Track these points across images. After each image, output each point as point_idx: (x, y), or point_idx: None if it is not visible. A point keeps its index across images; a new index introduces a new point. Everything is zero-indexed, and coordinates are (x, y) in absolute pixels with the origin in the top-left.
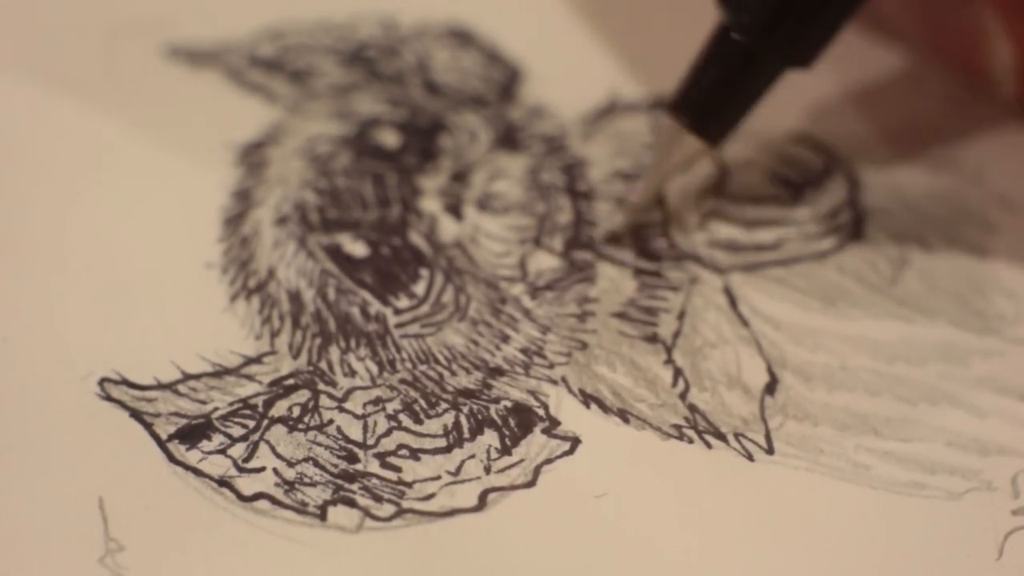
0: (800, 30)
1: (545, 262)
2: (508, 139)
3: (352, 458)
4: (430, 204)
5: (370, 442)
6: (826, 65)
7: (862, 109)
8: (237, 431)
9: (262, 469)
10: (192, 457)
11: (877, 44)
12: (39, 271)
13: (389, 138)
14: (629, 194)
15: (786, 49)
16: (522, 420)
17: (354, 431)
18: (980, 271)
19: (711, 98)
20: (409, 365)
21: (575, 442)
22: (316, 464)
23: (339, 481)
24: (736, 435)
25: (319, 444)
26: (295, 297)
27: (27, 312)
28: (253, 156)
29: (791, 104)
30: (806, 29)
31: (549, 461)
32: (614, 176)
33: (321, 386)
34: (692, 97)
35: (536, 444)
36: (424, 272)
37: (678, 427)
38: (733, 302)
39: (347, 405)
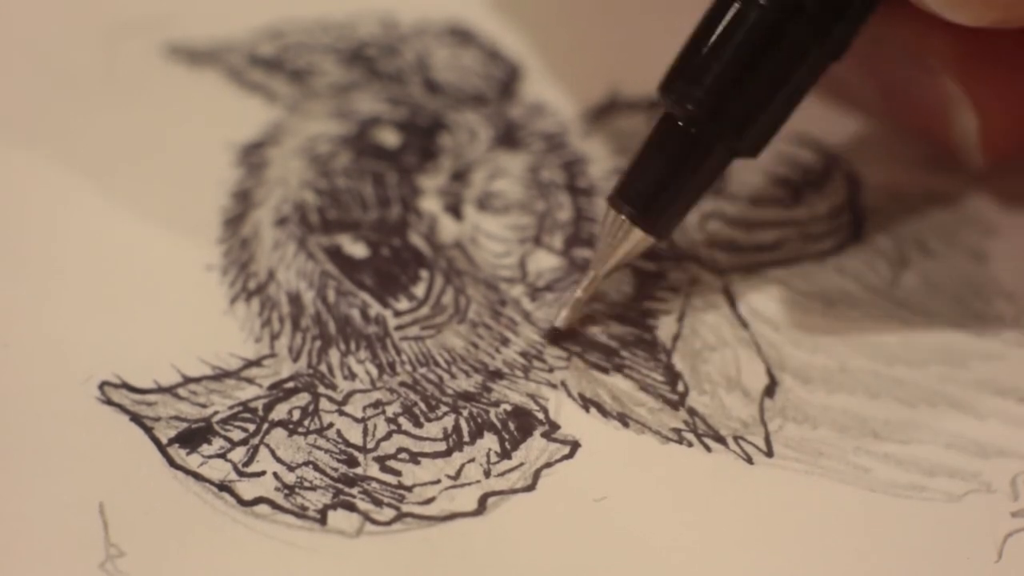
0: (749, 118)
1: (545, 261)
2: (508, 137)
3: (352, 462)
4: (430, 204)
5: (370, 446)
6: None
7: (854, 111)
8: (237, 435)
9: (262, 473)
10: (192, 461)
11: (834, 111)
12: (37, 273)
13: (389, 137)
14: (574, 288)
15: (733, 138)
16: (522, 424)
17: (354, 434)
18: (980, 273)
19: (655, 190)
20: (409, 368)
21: (575, 446)
22: (316, 468)
23: (339, 485)
24: (735, 438)
25: (319, 448)
26: (295, 299)
27: (26, 315)
28: (253, 156)
29: None
30: (755, 116)
31: (549, 465)
32: (615, 173)
33: (321, 389)
34: (635, 188)
35: (536, 448)
36: (424, 273)
37: (677, 431)
38: (733, 303)
39: (347, 408)
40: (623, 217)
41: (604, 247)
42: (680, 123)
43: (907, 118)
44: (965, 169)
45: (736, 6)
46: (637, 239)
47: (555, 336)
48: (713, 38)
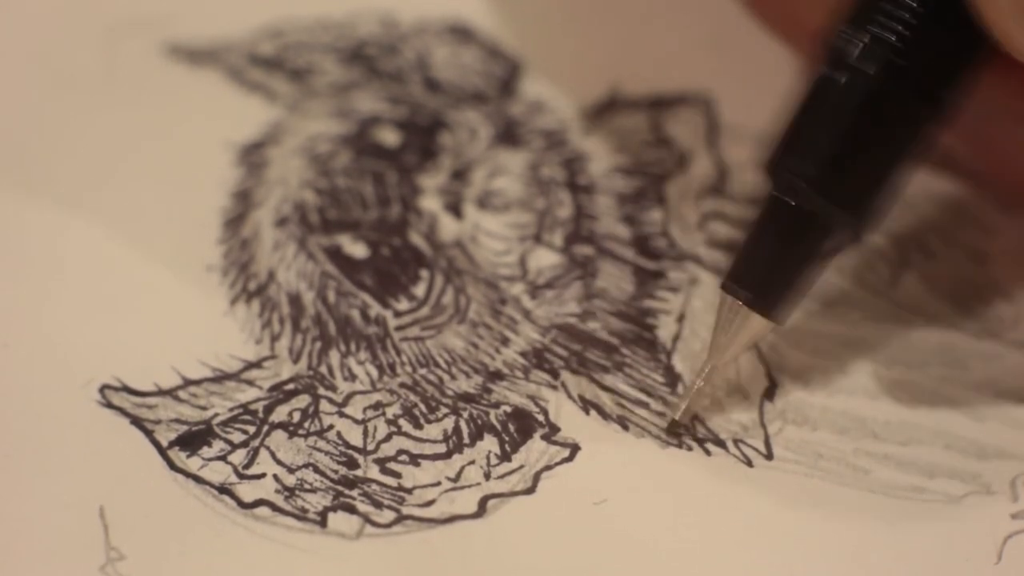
0: (864, 190)
1: (545, 259)
2: (508, 135)
3: (352, 464)
4: (430, 203)
5: (370, 447)
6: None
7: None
8: (237, 437)
9: (262, 475)
10: (193, 464)
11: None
12: (38, 274)
13: (389, 136)
14: (692, 379)
15: (850, 213)
16: (522, 426)
17: (354, 436)
18: (979, 274)
19: (772, 272)
20: (409, 369)
21: (575, 448)
22: (316, 470)
23: (339, 487)
24: (735, 441)
25: (319, 450)
26: (295, 300)
27: (26, 317)
28: (253, 156)
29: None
30: (869, 189)
31: (549, 467)
32: (615, 170)
33: (321, 391)
34: (752, 271)
35: (536, 450)
36: (424, 273)
37: (677, 434)
38: None
39: (347, 410)
40: (739, 303)
41: (722, 333)
42: (793, 203)
43: (1011, 180)
44: None
45: (844, 78)
46: (756, 324)
47: (675, 429)
48: (822, 112)
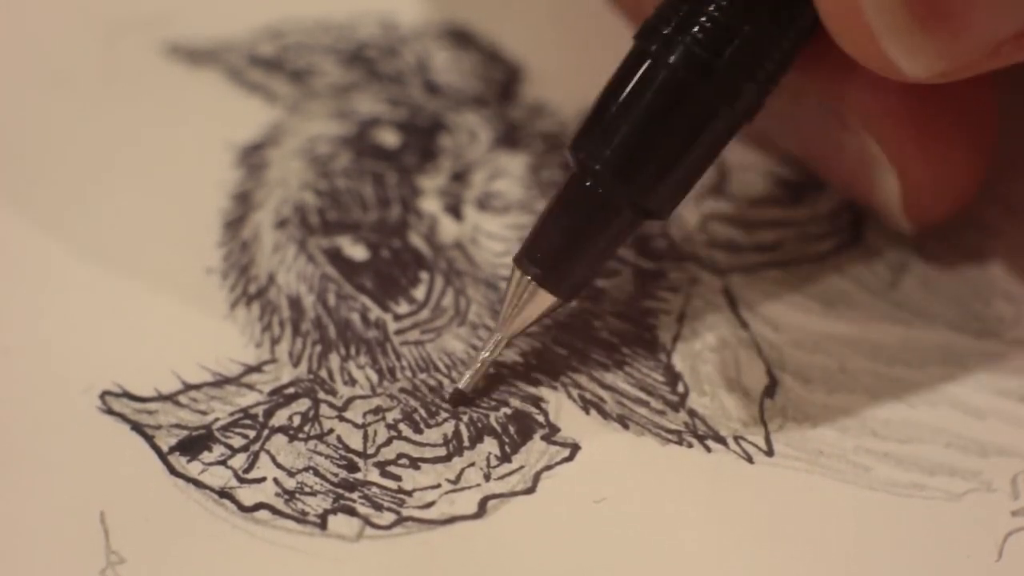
0: (658, 179)
1: None
2: (508, 138)
3: (352, 467)
4: (430, 204)
5: (370, 451)
6: None
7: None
8: (238, 441)
9: (263, 479)
10: (193, 469)
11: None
12: (37, 277)
13: (389, 138)
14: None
15: (641, 199)
16: (522, 427)
17: (354, 440)
18: (979, 273)
19: (562, 250)
20: (409, 373)
21: (575, 448)
22: (316, 473)
23: (339, 490)
24: (736, 438)
25: (319, 453)
26: (295, 303)
27: (25, 322)
28: (253, 158)
29: None
30: (664, 178)
31: (549, 467)
32: None
33: (321, 395)
34: (543, 248)
35: (536, 451)
36: (424, 275)
37: (677, 432)
38: (733, 303)
39: (347, 414)
40: (528, 278)
41: (510, 308)
42: (588, 183)
43: (830, 176)
44: (895, 230)
45: (646, 64)
46: (542, 301)
47: (458, 399)
48: (622, 96)
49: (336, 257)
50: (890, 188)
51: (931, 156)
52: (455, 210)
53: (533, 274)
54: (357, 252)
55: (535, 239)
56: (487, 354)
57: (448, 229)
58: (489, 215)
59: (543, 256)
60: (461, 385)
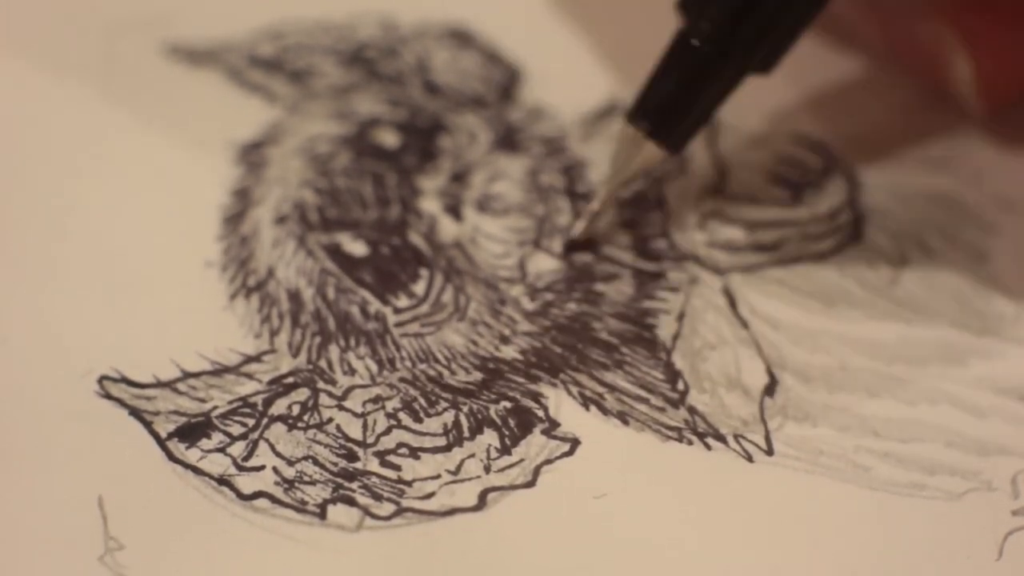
0: (760, 36)
1: (544, 264)
2: (508, 140)
3: (352, 456)
4: (430, 204)
5: (370, 440)
6: (788, 72)
7: (853, 112)
8: (237, 429)
9: (262, 467)
10: (192, 455)
11: (839, 53)
12: (38, 269)
13: (389, 138)
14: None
15: (746, 55)
16: (522, 421)
17: (354, 429)
18: (979, 272)
19: (670, 105)
20: (409, 364)
21: (575, 443)
22: (316, 462)
23: (339, 480)
24: (736, 436)
25: (319, 442)
26: (294, 296)
27: (26, 310)
28: (252, 155)
29: (790, 105)
30: (766, 35)
31: (549, 462)
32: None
33: (321, 384)
34: (651, 104)
35: (536, 444)
36: (424, 272)
37: (677, 429)
38: (733, 303)
39: (347, 403)
40: (639, 132)
41: (619, 161)
42: (695, 41)
43: (907, 60)
44: (966, 113)
45: None
46: (652, 153)
47: (572, 247)
48: None
49: (335, 253)
50: (963, 72)
51: (1002, 40)
52: (455, 210)
53: (643, 128)
54: (357, 248)
55: (644, 97)
56: (597, 204)
57: (448, 229)
58: (489, 217)
59: (654, 110)
60: (574, 234)
